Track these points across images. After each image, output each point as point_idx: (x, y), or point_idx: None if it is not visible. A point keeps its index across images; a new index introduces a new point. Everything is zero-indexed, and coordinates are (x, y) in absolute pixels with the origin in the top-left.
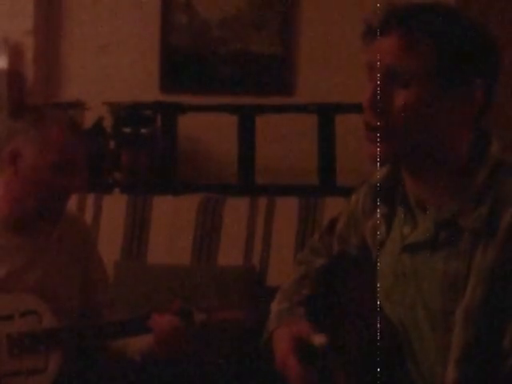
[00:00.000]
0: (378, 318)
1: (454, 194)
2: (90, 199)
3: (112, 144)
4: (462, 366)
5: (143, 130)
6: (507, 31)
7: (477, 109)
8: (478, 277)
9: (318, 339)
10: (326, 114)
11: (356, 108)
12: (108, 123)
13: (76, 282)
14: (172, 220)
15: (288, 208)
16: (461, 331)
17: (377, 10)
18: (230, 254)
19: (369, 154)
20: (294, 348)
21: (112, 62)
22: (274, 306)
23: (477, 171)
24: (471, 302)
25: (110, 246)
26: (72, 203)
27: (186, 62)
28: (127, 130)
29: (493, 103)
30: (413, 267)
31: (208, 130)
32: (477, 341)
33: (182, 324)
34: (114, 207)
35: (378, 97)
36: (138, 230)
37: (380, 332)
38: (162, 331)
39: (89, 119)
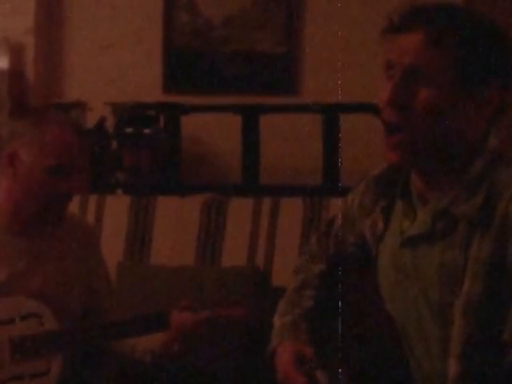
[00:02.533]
0: (380, 315)
1: (451, 184)
2: (93, 200)
3: (114, 144)
4: (463, 358)
5: (146, 131)
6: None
7: (492, 110)
8: (475, 267)
9: (320, 376)
10: (331, 113)
11: (361, 108)
12: (110, 123)
13: (79, 285)
14: (175, 220)
15: (292, 208)
16: (461, 324)
17: (400, 7)
18: (233, 255)
19: (390, 160)
20: (296, 365)
21: (114, 62)
22: (277, 320)
23: (473, 162)
24: (469, 293)
25: (112, 247)
26: (74, 204)
27: (189, 62)
28: (130, 130)
29: (508, 105)
30: (412, 261)
31: (211, 130)
32: (477, 333)
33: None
34: (117, 208)
35: (399, 93)
36: (140, 230)
37: (381, 329)
38: (184, 327)
39: (91, 119)
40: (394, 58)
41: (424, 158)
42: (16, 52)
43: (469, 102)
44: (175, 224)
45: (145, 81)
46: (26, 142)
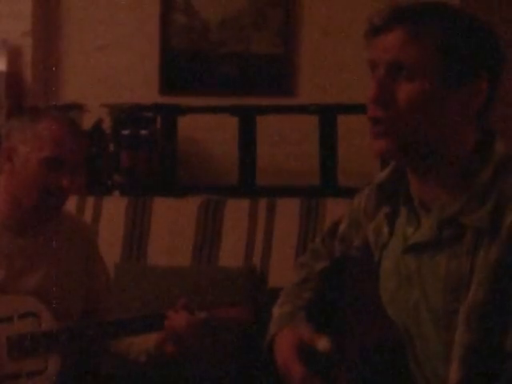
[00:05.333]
0: (381, 320)
1: (457, 192)
2: (90, 201)
3: (111, 146)
4: (465, 365)
5: (143, 132)
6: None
7: (481, 103)
8: (482, 276)
9: (322, 344)
10: (327, 114)
11: (357, 108)
12: (107, 125)
13: (77, 284)
14: (172, 222)
15: (289, 209)
16: (464, 331)
17: (381, 9)
18: (230, 256)
19: (374, 149)
20: (296, 352)
21: (111, 64)
22: (276, 310)
23: (481, 169)
24: (474, 301)
25: (109, 248)
26: (71, 205)
27: (186, 63)
28: (127, 131)
29: (496, 99)
30: (416, 268)
31: (208, 132)
32: (480, 340)
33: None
34: (114, 209)
35: (382, 90)
36: (138, 232)
37: (383, 333)
38: (177, 328)
39: (88, 121)
40: (377, 57)
41: (411, 152)
42: (13, 54)
43: (456, 97)
44: (172, 225)
45: (141, 82)
46: (23, 137)
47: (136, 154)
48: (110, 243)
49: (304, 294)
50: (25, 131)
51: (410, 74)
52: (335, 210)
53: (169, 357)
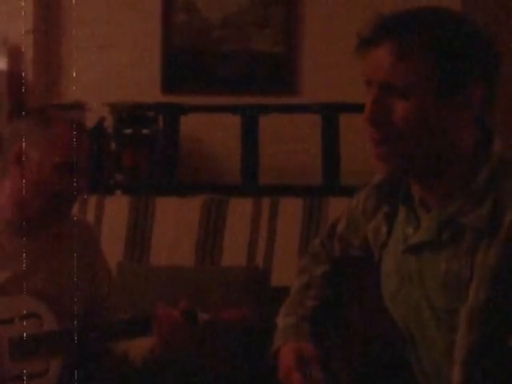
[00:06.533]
0: (383, 319)
1: (456, 192)
2: (92, 201)
3: (113, 145)
4: (468, 366)
5: (145, 131)
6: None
7: (477, 109)
8: (481, 276)
9: (316, 373)
10: (330, 113)
11: (360, 108)
12: (109, 124)
13: (80, 285)
14: (175, 221)
15: (292, 208)
16: (466, 331)
17: (368, 21)
18: (233, 255)
19: (380, 171)
20: (297, 364)
21: (113, 63)
22: (280, 321)
23: (479, 169)
24: (475, 302)
25: (112, 248)
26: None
27: (188, 62)
28: (129, 130)
29: (495, 101)
30: (417, 267)
31: (211, 131)
32: (482, 341)
33: (185, 324)
34: (116, 208)
35: (377, 111)
36: (140, 231)
37: (385, 333)
38: (164, 327)
39: (90, 120)
40: (370, 74)
41: (415, 167)
42: (15, 53)
43: (452, 105)
44: (175, 224)
45: (143, 81)
46: (33, 141)
47: (138, 153)
48: (113, 242)
49: (307, 302)
50: (35, 135)
51: (403, 93)
52: (338, 209)
53: (160, 359)
